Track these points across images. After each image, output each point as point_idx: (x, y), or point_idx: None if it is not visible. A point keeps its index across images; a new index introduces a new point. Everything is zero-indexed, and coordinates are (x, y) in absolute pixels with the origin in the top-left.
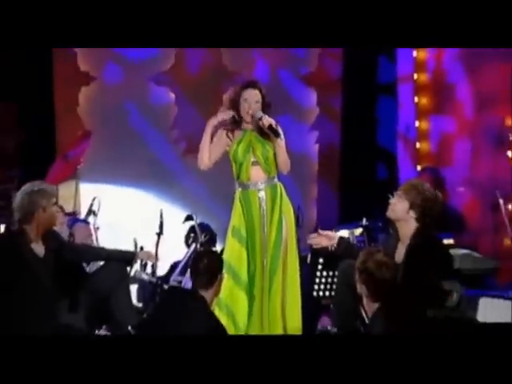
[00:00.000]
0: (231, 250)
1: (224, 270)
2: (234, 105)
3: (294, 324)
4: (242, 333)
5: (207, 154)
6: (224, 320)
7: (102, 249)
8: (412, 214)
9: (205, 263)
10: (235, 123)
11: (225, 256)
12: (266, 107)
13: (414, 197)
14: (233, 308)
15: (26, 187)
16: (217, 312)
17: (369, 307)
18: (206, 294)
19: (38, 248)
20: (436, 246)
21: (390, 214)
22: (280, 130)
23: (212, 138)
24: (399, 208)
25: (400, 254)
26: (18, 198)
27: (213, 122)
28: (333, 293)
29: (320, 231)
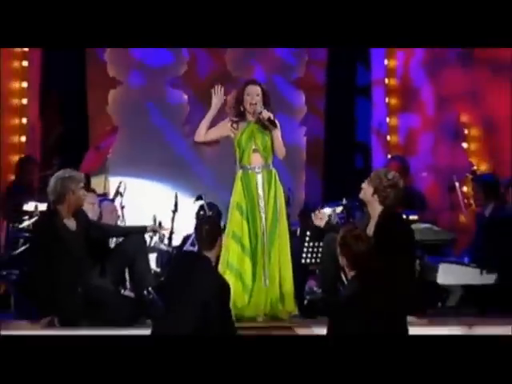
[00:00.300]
0: (235, 221)
1: (230, 237)
2: (239, 100)
3: (288, 285)
4: (248, 290)
5: (204, 131)
6: (233, 279)
7: (121, 226)
8: (376, 197)
9: (206, 228)
10: (240, 115)
11: (229, 226)
12: (266, 100)
13: (377, 184)
14: (240, 270)
15: (59, 174)
16: (227, 273)
17: (348, 274)
18: (210, 254)
19: (70, 223)
20: (398, 223)
21: (361, 196)
22: (277, 122)
23: (213, 123)
24: (366, 192)
25: (371, 228)
26: (52, 183)
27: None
28: (318, 260)
29: (320, 211)
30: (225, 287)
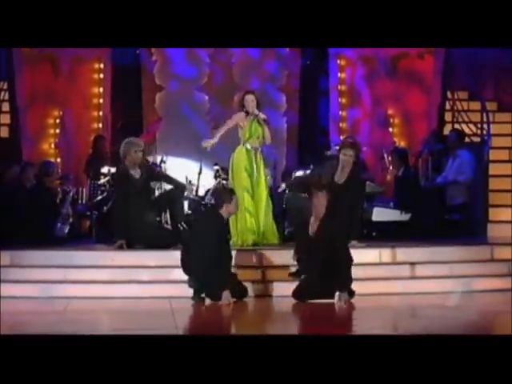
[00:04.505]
0: (244, 177)
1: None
2: (241, 103)
3: (267, 223)
4: (235, 224)
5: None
6: (241, 211)
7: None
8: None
9: (218, 195)
10: (246, 113)
11: (240, 181)
12: (258, 105)
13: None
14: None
15: (125, 141)
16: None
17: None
18: (221, 211)
19: (135, 173)
20: (359, 178)
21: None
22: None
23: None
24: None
25: (342, 174)
26: (121, 146)
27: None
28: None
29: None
30: (220, 222)
